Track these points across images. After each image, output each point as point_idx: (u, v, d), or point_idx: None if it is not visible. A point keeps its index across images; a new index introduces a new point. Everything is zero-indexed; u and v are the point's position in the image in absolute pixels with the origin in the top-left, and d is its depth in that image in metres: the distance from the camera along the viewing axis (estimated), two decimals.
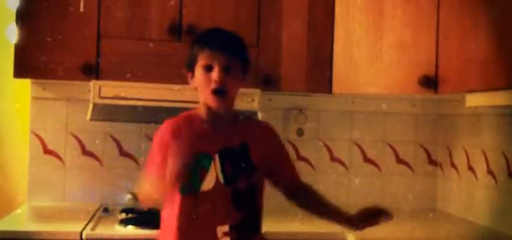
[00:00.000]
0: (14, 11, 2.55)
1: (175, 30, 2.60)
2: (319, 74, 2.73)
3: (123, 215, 2.54)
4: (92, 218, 2.56)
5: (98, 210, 2.73)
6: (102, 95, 2.50)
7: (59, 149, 2.91)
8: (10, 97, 2.94)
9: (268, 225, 2.11)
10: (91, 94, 2.50)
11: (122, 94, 2.50)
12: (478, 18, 2.11)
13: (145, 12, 2.61)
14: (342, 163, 3.13)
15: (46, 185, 2.89)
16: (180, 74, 2.46)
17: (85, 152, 2.93)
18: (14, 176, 2.94)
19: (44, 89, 2.89)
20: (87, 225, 2.41)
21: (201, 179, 1.83)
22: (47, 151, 2.90)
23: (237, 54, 1.85)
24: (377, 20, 2.56)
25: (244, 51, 1.90)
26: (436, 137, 3.17)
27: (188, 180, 1.82)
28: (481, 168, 2.75)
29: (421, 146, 3.17)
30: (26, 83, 2.87)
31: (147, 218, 2.39)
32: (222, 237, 1.83)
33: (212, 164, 1.84)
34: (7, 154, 2.95)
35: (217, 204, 1.84)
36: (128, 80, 2.53)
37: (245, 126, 1.94)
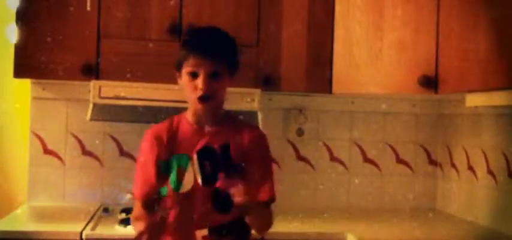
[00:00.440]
0: (14, 11, 2.55)
1: (175, 30, 2.60)
2: (319, 74, 2.73)
3: (123, 215, 2.54)
4: (92, 218, 2.56)
5: (98, 210, 2.74)
6: (102, 95, 2.50)
7: (59, 149, 2.91)
8: (10, 97, 2.94)
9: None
10: (91, 94, 2.50)
11: (122, 94, 2.50)
12: (478, 18, 2.11)
13: (145, 12, 2.61)
14: (342, 163, 3.13)
15: (46, 185, 2.89)
16: None
17: (85, 152, 2.93)
18: (14, 176, 2.94)
19: (44, 89, 2.89)
20: (87, 225, 2.41)
21: (180, 179, 1.83)
22: (47, 151, 2.90)
23: (222, 60, 1.82)
24: (377, 19, 2.56)
25: (232, 53, 1.86)
26: (436, 137, 3.17)
27: (168, 181, 1.83)
28: (481, 168, 2.75)
29: (421, 146, 3.17)
30: (26, 83, 2.87)
31: None
32: None
33: (190, 164, 1.83)
34: (7, 154, 2.95)
35: (196, 206, 1.83)
36: (128, 80, 2.53)
37: (231, 127, 1.90)
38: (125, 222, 2.44)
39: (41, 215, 2.71)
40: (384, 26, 2.54)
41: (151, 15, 2.61)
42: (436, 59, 2.36)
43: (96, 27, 2.58)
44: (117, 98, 2.50)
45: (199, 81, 1.79)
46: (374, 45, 2.57)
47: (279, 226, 2.33)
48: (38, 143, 2.89)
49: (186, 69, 1.81)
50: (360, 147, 3.14)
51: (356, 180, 3.13)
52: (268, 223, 1.90)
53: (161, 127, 1.88)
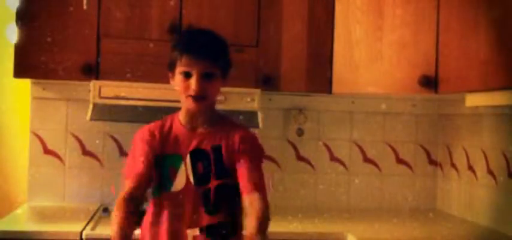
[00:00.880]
0: (14, 11, 2.55)
1: (175, 30, 2.60)
2: (319, 74, 2.73)
3: None
4: (92, 218, 2.56)
5: (98, 210, 2.74)
6: (102, 95, 2.50)
7: (59, 149, 2.91)
8: (10, 97, 2.94)
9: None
10: (91, 94, 2.50)
11: (122, 94, 2.50)
12: (478, 18, 2.11)
13: (145, 12, 2.61)
14: (342, 163, 3.13)
15: (46, 185, 2.89)
16: None
17: (85, 152, 2.93)
18: (14, 176, 2.94)
19: (44, 89, 2.89)
20: (87, 225, 2.42)
21: (172, 178, 1.84)
22: (47, 151, 2.90)
23: (215, 60, 1.82)
24: (377, 19, 2.56)
25: (224, 54, 1.87)
26: (436, 137, 3.17)
27: (159, 180, 1.84)
28: (481, 168, 2.75)
29: (421, 146, 3.17)
30: (26, 83, 2.87)
31: (142, 218, 2.38)
32: None
33: (183, 164, 1.84)
34: (7, 154, 2.95)
35: (187, 206, 1.83)
36: (128, 80, 2.53)
37: (223, 129, 1.89)
38: None
39: (41, 215, 2.71)
40: (384, 26, 2.54)
41: (151, 15, 2.62)
42: (436, 59, 2.36)
43: (96, 27, 2.58)
44: (117, 98, 2.50)
45: (192, 82, 1.79)
46: (374, 45, 2.57)
47: (279, 226, 2.34)
48: (38, 143, 2.89)
49: (179, 69, 1.82)
50: (360, 147, 3.14)
51: (356, 180, 3.13)
52: (266, 224, 1.79)
53: (154, 126, 1.89)
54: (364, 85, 2.62)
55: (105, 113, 2.65)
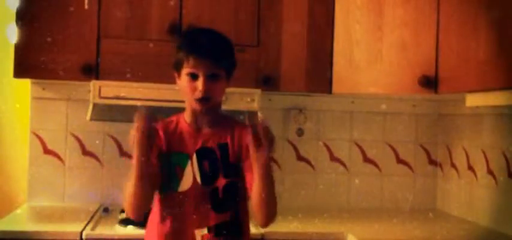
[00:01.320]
0: (14, 11, 2.55)
1: (175, 30, 2.60)
2: (319, 74, 2.73)
3: (123, 215, 2.54)
4: (92, 218, 2.56)
5: (98, 210, 2.74)
6: (102, 95, 2.50)
7: (59, 149, 2.91)
8: (10, 97, 2.94)
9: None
10: (91, 94, 2.50)
11: (122, 94, 2.50)
12: (478, 19, 2.11)
13: (145, 12, 2.61)
14: (342, 163, 3.13)
15: (46, 185, 2.89)
16: None
17: (85, 152, 2.93)
18: (14, 176, 2.94)
19: (44, 89, 2.89)
20: (87, 225, 2.42)
21: (179, 178, 1.83)
22: (47, 151, 2.90)
23: (222, 61, 1.82)
24: (377, 20, 2.56)
25: (230, 54, 1.87)
26: (436, 137, 3.17)
27: (166, 179, 1.83)
28: (481, 168, 2.75)
29: (421, 146, 3.17)
30: (26, 83, 2.87)
31: (147, 218, 2.38)
32: None
33: (189, 163, 1.84)
34: (7, 154, 2.95)
35: (195, 205, 1.83)
36: (128, 80, 2.53)
37: (228, 127, 1.90)
38: (125, 222, 2.44)
39: (41, 215, 2.71)
40: (384, 26, 2.54)
41: (151, 15, 2.61)
42: (436, 59, 2.36)
43: (96, 27, 2.58)
44: (117, 98, 2.50)
45: (199, 83, 1.79)
46: (374, 45, 2.57)
47: (279, 226, 2.33)
48: (38, 143, 2.89)
49: (185, 71, 1.81)
50: (360, 147, 3.14)
51: (356, 180, 3.13)
52: (275, 210, 1.82)
53: (159, 124, 1.88)
54: (364, 85, 2.62)
55: (105, 113, 2.65)
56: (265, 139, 1.68)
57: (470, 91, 2.20)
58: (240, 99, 2.54)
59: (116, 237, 2.35)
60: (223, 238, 1.84)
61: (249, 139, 1.71)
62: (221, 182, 1.85)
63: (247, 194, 1.85)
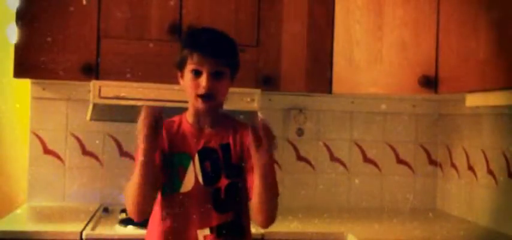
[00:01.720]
0: (14, 11, 2.55)
1: (175, 30, 2.60)
2: (319, 74, 2.73)
3: (123, 215, 2.54)
4: (92, 218, 2.56)
5: (98, 210, 2.74)
6: (102, 95, 2.49)
7: (59, 149, 2.91)
8: (10, 97, 2.94)
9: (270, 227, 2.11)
10: (91, 94, 2.49)
11: (122, 94, 2.50)
12: (478, 19, 2.11)
13: (145, 12, 2.61)
14: (342, 163, 3.13)
15: (46, 185, 2.89)
16: None
17: (85, 152, 2.93)
18: (14, 176, 2.94)
19: (44, 89, 2.88)
20: (87, 225, 2.41)
21: (181, 178, 1.82)
22: (47, 151, 2.90)
23: (226, 59, 1.82)
24: (377, 20, 2.56)
25: (234, 54, 1.87)
26: (436, 137, 3.17)
27: (168, 180, 1.82)
28: (481, 168, 2.75)
29: (421, 146, 3.18)
30: (26, 83, 2.87)
31: (147, 218, 2.38)
32: None
33: (191, 163, 1.83)
34: (7, 154, 2.95)
35: (197, 206, 1.82)
36: (128, 80, 2.53)
37: (230, 128, 1.90)
38: (125, 222, 2.44)
39: (41, 215, 2.71)
40: (384, 26, 2.54)
41: (151, 15, 2.61)
42: (436, 59, 2.36)
43: (96, 27, 2.58)
44: (117, 98, 2.50)
45: (203, 80, 1.78)
46: (374, 45, 2.57)
47: (279, 226, 2.33)
48: (38, 143, 2.89)
49: (189, 67, 1.81)
50: (360, 147, 3.14)
51: (356, 180, 3.13)
52: (275, 212, 1.82)
53: (165, 123, 1.86)
54: (364, 85, 2.62)
55: (105, 113, 2.65)
56: (266, 139, 1.67)
57: (470, 91, 2.20)
58: (240, 99, 2.54)
59: (116, 237, 2.35)
60: (225, 238, 1.84)
61: (249, 139, 1.71)
62: (223, 182, 1.84)
63: (248, 194, 1.84)
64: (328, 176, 3.11)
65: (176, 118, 1.92)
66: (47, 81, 2.82)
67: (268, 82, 2.67)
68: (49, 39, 2.53)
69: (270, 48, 2.69)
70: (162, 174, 1.82)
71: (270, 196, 1.77)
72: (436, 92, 2.37)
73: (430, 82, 2.37)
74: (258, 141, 1.69)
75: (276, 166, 1.84)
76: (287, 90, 2.77)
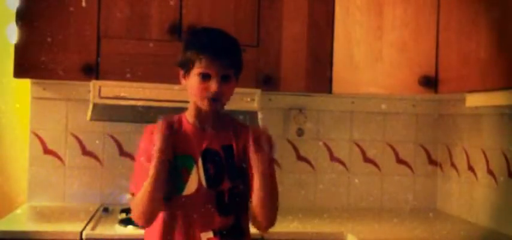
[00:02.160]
0: (14, 11, 2.55)
1: (175, 30, 2.60)
2: (319, 74, 2.73)
3: (123, 215, 2.54)
4: (92, 218, 2.56)
5: (98, 210, 2.74)
6: (102, 95, 2.50)
7: (59, 149, 2.91)
8: (10, 97, 2.94)
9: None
10: (91, 94, 2.50)
11: (122, 94, 2.50)
12: (478, 18, 2.11)
13: (145, 12, 2.61)
14: (342, 163, 3.13)
15: (46, 185, 2.89)
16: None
17: (85, 152, 2.93)
18: (14, 176, 2.94)
19: (44, 89, 2.88)
20: (87, 225, 2.42)
21: (184, 180, 1.81)
22: (47, 151, 2.90)
23: (234, 63, 1.82)
24: (377, 19, 2.56)
25: (240, 56, 1.87)
26: (436, 137, 3.17)
27: (171, 182, 1.79)
28: (481, 168, 2.75)
29: (421, 146, 3.17)
30: (26, 83, 2.87)
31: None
32: None
33: (195, 166, 1.81)
34: (7, 154, 2.95)
35: (200, 208, 1.81)
36: (128, 80, 2.53)
37: (231, 129, 1.89)
38: (125, 222, 2.44)
39: (41, 215, 2.71)
40: (384, 26, 2.54)
41: (152, 15, 2.61)
42: (436, 59, 2.36)
43: (96, 27, 2.58)
44: (117, 98, 2.50)
45: (212, 84, 1.77)
46: (374, 45, 2.57)
47: (279, 226, 2.33)
48: (38, 143, 2.89)
49: (196, 71, 1.79)
50: (360, 147, 3.14)
51: (356, 180, 3.13)
52: (275, 215, 1.84)
53: (163, 124, 1.81)
54: (364, 85, 2.62)
55: (105, 113, 2.65)
56: (266, 146, 1.69)
57: (470, 91, 2.20)
58: (240, 99, 2.54)
59: (116, 237, 2.35)
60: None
61: (249, 144, 1.72)
62: (226, 185, 1.83)
63: (249, 197, 1.84)
64: (328, 176, 3.11)
65: (175, 118, 1.89)
66: (47, 81, 2.82)
67: (268, 82, 2.67)
68: (49, 39, 2.53)
69: (270, 48, 2.69)
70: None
71: (270, 202, 1.78)
72: (436, 92, 2.37)
73: (430, 82, 2.37)
74: (258, 147, 1.70)
75: (275, 166, 1.84)
76: (287, 90, 2.77)
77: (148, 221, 1.81)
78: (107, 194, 2.91)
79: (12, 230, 2.33)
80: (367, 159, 3.15)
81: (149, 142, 1.79)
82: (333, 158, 3.12)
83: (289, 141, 3.07)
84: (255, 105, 2.57)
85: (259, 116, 2.59)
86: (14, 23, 2.54)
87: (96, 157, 2.94)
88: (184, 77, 1.84)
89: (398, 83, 2.51)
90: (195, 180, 1.81)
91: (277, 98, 3.02)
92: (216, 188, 1.82)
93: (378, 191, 3.15)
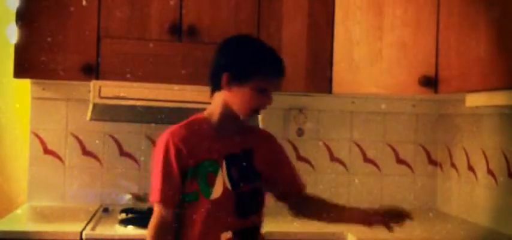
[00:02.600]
0: (14, 11, 2.55)
1: (176, 30, 2.60)
2: (319, 74, 2.72)
3: (123, 215, 2.54)
4: (92, 218, 2.56)
5: (98, 210, 2.73)
6: (102, 95, 2.50)
7: (59, 149, 2.91)
8: (10, 97, 2.93)
9: (268, 225, 2.11)
10: (91, 94, 2.49)
11: (122, 94, 2.50)
12: (478, 18, 2.11)
13: (145, 12, 2.61)
14: (342, 163, 3.13)
15: (46, 185, 2.89)
16: (180, 74, 2.47)
17: (85, 152, 2.93)
18: (14, 176, 2.94)
19: (44, 89, 2.88)
20: (87, 225, 2.41)
21: (210, 185, 1.83)
22: (47, 151, 2.90)
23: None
24: (377, 20, 2.56)
25: None
26: (436, 137, 3.17)
27: (197, 187, 1.82)
28: (481, 168, 2.75)
29: (421, 146, 3.17)
30: (26, 83, 2.87)
31: (147, 218, 2.38)
32: None
33: (220, 170, 1.84)
34: (7, 154, 2.95)
35: (222, 210, 1.84)
36: (128, 80, 2.53)
37: (249, 133, 1.97)
38: (125, 222, 2.45)
39: (41, 215, 2.71)
40: (384, 26, 2.54)
41: (152, 15, 2.61)
42: (436, 59, 2.36)
43: (96, 27, 2.58)
44: (117, 98, 2.50)
45: (269, 98, 1.87)
46: (374, 45, 2.57)
47: (279, 226, 2.34)
48: (38, 143, 2.89)
49: (257, 85, 1.83)
50: (360, 147, 3.14)
51: (356, 180, 3.13)
52: None
53: (177, 137, 1.82)
54: (364, 85, 2.62)
55: (105, 113, 2.65)
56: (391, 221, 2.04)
57: (471, 91, 2.20)
58: None
59: (116, 237, 2.35)
60: None
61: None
62: (246, 187, 1.88)
63: (264, 200, 1.93)
64: (328, 176, 3.11)
65: (194, 120, 1.89)
66: (47, 81, 2.82)
67: None
68: (49, 39, 2.53)
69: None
70: (188, 183, 1.82)
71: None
72: (436, 92, 2.37)
73: (430, 82, 2.37)
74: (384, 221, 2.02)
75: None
76: (287, 90, 2.75)
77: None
78: (107, 194, 2.91)
79: (12, 230, 2.33)
80: (367, 159, 3.15)
81: (173, 149, 1.79)
82: (333, 158, 3.12)
83: (289, 141, 3.06)
84: None
85: (259, 116, 2.59)
86: (14, 23, 2.54)
87: (96, 157, 2.94)
88: (231, 83, 1.83)
89: (398, 83, 2.51)
90: (220, 184, 1.84)
91: (277, 98, 2.99)
92: (238, 191, 1.87)
93: (378, 191, 3.15)
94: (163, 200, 1.81)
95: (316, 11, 2.73)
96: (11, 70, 2.53)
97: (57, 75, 2.55)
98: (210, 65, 1.88)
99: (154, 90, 2.51)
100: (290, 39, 2.71)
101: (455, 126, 3.01)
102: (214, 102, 1.88)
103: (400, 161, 3.17)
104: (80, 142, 2.93)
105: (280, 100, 3.02)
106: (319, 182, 3.10)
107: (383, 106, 3.11)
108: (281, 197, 2.05)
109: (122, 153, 2.94)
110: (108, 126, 2.92)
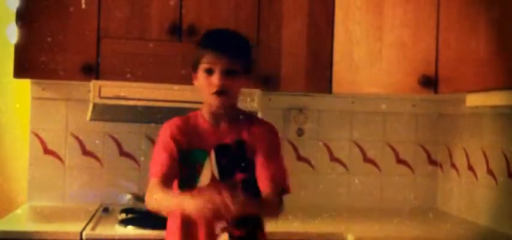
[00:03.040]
0: (14, 11, 2.55)
1: (176, 30, 2.60)
2: (319, 74, 2.73)
3: (123, 215, 2.54)
4: (92, 218, 2.56)
5: (97, 210, 2.73)
6: (102, 95, 2.50)
7: (59, 149, 2.91)
8: (10, 97, 2.93)
9: (268, 225, 2.11)
10: (91, 94, 2.49)
11: (122, 94, 2.50)
12: (478, 18, 2.11)
13: (145, 12, 2.61)
14: (342, 163, 3.13)
15: (46, 185, 2.89)
16: (180, 74, 2.47)
17: (85, 152, 2.93)
18: (14, 176, 2.94)
19: (44, 89, 2.88)
20: (87, 225, 2.41)
21: (198, 174, 1.88)
22: (47, 151, 2.90)
23: (238, 58, 1.87)
24: (377, 19, 2.56)
25: (246, 52, 1.93)
26: (436, 137, 3.17)
27: (186, 175, 1.88)
28: (481, 168, 2.75)
29: (421, 146, 3.17)
30: (26, 83, 2.87)
31: (147, 218, 2.38)
32: (220, 232, 1.87)
33: (207, 159, 1.88)
34: (7, 154, 2.95)
35: None
36: (128, 80, 2.53)
37: (244, 124, 1.97)
38: (125, 222, 2.44)
39: (41, 215, 2.71)
40: (384, 26, 2.54)
41: (151, 15, 2.61)
42: (436, 59, 2.37)
43: (96, 27, 2.58)
44: (117, 98, 2.50)
45: (215, 78, 1.84)
46: (374, 45, 2.57)
47: (279, 226, 2.34)
48: (38, 143, 2.89)
49: (202, 67, 1.86)
50: (360, 147, 3.14)
51: (356, 180, 3.13)
52: (277, 212, 1.95)
53: (180, 120, 1.93)
54: (364, 85, 2.62)
55: (105, 113, 2.65)
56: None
57: (470, 91, 2.20)
58: (240, 99, 2.54)
59: (116, 237, 2.35)
60: (240, 230, 1.89)
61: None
62: (238, 177, 1.90)
63: (259, 190, 1.91)
64: (328, 176, 3.11)
65: (191, 115, 1.97)
66: (47, 81, 2.82)
67: (268, 82, 2.67)
68: (49, 39, 2.53)
69: (270, 48, 2.69)
70: (180, 170, 1.87)
71: (268, 217, 2.01)
72: (436, 92, 2.37)
73: (430, 82, 2.37)
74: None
75: None
76: (287, 90, 2.77)
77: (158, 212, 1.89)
78: (107, 194, 2.91)
79: (12, 230, 2.33)
80: (367, 159, 3.15)
81: (170, 132, 1.88)
82: (333, 158, 3.12)
83: (289, 141, 3.07)
84: (255, 105, 2.57)
85: (259, 116, 2.59)
86: (14, 23, 2.54)
87: (96, 157, 2.94)
88: (194, 76, 1.92)
89: (398, 83, 2.51)
90: (208, 173, 1.88)
91: (277, 98, 3.02)
92: (227, 181, 1.88)
93: (378, 191, 3.15)
94: (160, 175, 1.84)
95: (316, 11, 2.73)
96: (11, 70, 2.53)
97: (57, 75, 2.55)
98: None
99: (154, 90, 2.51)
100: (290, 39, 2.71)
101: (455, 126, 3.01)
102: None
103: (400, 161, 3.17)
104: (80, 142, 2.93)
105: (280, 100, 3.03)
106: (319, 182, 3.11)
107: (383, 106, 3.11)
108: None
109: (122, 153, 2.94)
110: (108, 126, 2.92)
